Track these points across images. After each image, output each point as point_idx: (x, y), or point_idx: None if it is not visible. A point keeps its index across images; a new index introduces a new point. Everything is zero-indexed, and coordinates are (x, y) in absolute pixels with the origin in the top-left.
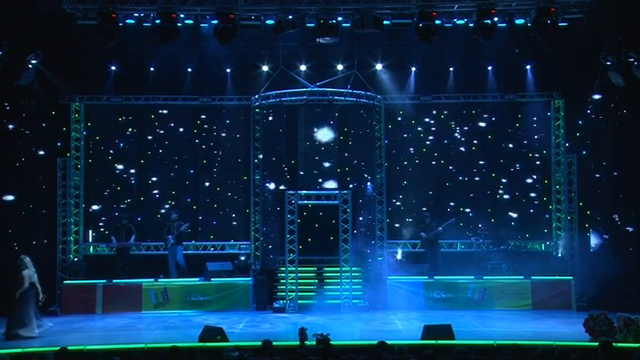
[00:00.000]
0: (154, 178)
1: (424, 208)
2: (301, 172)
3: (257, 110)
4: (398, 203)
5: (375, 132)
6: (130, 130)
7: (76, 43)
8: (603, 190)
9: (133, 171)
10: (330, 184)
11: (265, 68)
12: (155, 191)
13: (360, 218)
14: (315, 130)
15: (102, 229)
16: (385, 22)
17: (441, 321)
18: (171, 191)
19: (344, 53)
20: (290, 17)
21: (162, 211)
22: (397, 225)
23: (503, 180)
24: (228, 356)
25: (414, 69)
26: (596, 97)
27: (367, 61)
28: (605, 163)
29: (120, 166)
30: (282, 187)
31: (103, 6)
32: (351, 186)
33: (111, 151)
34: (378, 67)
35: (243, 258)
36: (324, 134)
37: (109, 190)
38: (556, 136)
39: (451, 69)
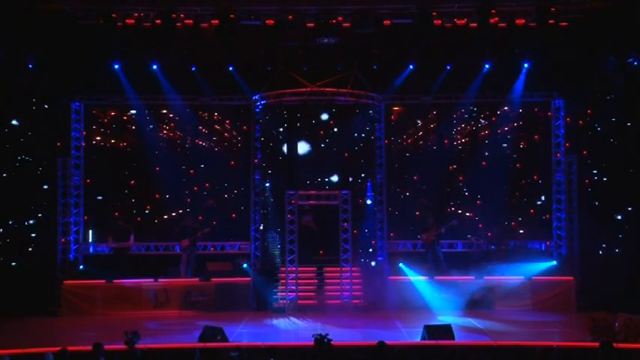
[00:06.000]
0: (154, 178)
1: (425, 208)
2: (301, 172)
3: (257, 110)
4: (397, 203)
5: (375, 132)
6: (129, 129)
7: (76, 43)
8: (603, 190)
9: (132, 171)
10: (334, 178)
11: (265, 68)
12: (155, 191)
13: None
14: (315, 130)
15: (102, 229)
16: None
17: (441, 321)
18: (171, 191)
19: (344, 53)
20: (290, 17)
21: (161, 211)
22: (397, 225)
23: (504, 180)
24: (228, 356)
25: (414, 69)
26: (596, 97)
27: (367, 61)
28: (605, 163)
29: (120, 166)
30: (282, 187)
31: (103, 6)
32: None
33: (111, 151)
34: (378, 67)
35: (243, 258)
36: (323, 134)
37: (108, 191)
38: (556, 136)
39: (451, 69)
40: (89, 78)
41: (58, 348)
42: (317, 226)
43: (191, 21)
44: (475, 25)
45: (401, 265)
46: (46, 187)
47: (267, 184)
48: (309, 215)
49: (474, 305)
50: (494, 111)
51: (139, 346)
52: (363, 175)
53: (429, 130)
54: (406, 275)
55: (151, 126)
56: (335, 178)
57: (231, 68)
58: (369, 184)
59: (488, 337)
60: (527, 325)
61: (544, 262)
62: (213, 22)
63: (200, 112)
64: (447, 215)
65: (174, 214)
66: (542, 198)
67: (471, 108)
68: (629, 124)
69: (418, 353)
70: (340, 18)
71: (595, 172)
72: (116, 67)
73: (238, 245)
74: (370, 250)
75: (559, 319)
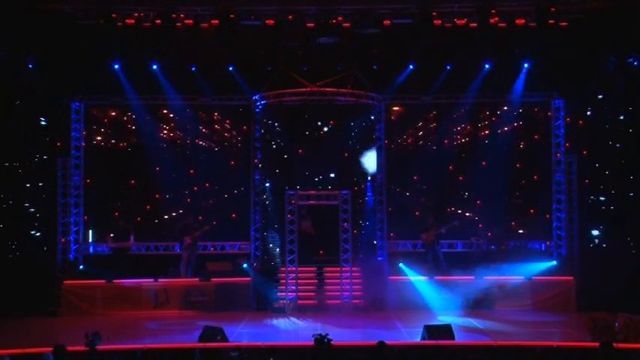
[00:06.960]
0: (154, 178)
1: (425, 208)
2: (301, 172)
3: (257, 110)
4: (397, 203)
5: (375, 132)
6: (129, 129)
7: (76, 43)
8: (603, 189)
9: (132, 171)
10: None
11: (265, 68)
12: (155, 191)
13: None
14: (315, 129)
15: (102, 229)
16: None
17: (441, 321)
18: (171, 191)
19: (344, 53)
20: (290, 17)
21: (161, 211)
22: (397, 225)
23: (504, 180)
24: (228, 356)
25: (414, 69)
26: (596, 97)
27: (367, 61)
28: (605, 163)
29: (120, 166)
30: (282, 187)
31: (103, 6)
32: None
33: (111, 151)
34: (378, 67)
35: (243, 258)
36: (324, 134)
37: (108, 190)
38: (556, 136)
39: (451, 69)
40: (89, 78)
41: (58, 348)
42: (316, 227)
43: (191, 21)
44: (475, 25)
45: (401, 265)
46: (46, 187)
47: (267, 184)
48: (307, 220)
49: (474, 305)
50: (494, 111)
51: (140, 345)
52: (363, 175)
53: (429, 130)
54: (406, 275)
55: (151, 126)
56: (332, 176)
57: (231, 68)
58: (369, 184)
59: (488, 337)
60: (527, 325)
61: (544, 262)
62: (213, 22)
63: (200, 112)
64: (447, 215)
65: (174, 214)
66: (542, 198)
67: (471, 107)
68: (629, 124)
69: (418, 353)
70: (340, 18)
71: (595, 172)
72: (116, 67)
73: (238, 245)
74: (370, 250)
75: (559, 319)
